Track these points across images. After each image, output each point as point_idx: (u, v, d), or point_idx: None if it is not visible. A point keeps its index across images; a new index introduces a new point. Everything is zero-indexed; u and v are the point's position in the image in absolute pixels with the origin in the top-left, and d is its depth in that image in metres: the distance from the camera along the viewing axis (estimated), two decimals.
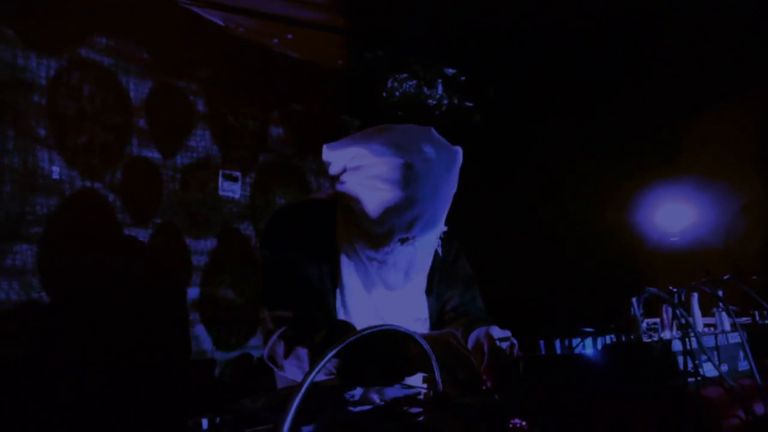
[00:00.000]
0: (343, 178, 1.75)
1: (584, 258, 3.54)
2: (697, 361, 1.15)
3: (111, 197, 3.17)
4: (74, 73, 3.06)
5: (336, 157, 1.75)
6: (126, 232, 3.23)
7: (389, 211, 1.69)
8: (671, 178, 3.10)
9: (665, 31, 3.39)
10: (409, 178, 1.65)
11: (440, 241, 1.96)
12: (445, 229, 1.90)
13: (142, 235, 3.29)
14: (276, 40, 3.82)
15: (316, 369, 1.01)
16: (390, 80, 3.46)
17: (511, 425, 1.00)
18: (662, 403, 1.05)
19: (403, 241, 1.75)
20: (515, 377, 1.26)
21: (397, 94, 3.42)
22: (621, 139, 3.48)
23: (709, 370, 1.21)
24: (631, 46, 3.54)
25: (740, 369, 1.35)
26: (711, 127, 3.27)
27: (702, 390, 1.12)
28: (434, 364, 1.18)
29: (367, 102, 3.73)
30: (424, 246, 1.83)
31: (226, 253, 3.68)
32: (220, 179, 3.70)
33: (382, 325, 1.36)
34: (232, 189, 3.75)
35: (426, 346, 1.18)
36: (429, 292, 2.00)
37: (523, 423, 0.99)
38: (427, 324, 2.00)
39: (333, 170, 1.79)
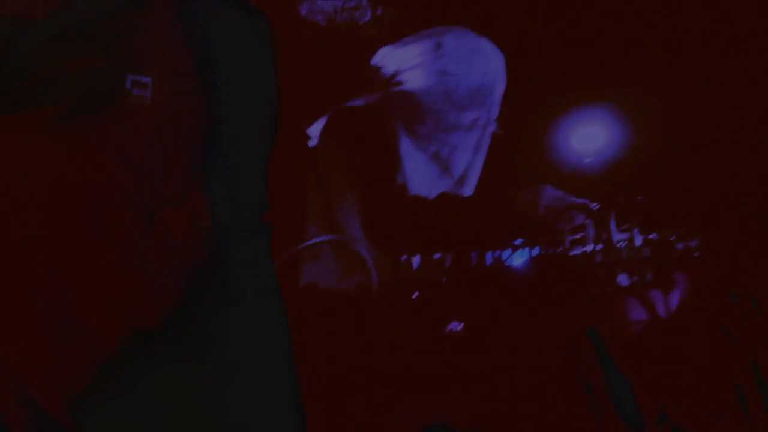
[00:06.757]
0: (405, 76, 1.76)
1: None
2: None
3: None
4: None
5: (399, 55, 1.77)
6: None
7: (471, 95, 1.74)
8: (586, 104, 3.17)
9: None
10: (482, 61, 1.76)
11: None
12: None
13: None
14: None
15: None
16: None
17: (448, 330, 1.09)
18: (580, 308, 1.16)
19: (484, 125, 1.81)
20: None
21: None
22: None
23: (622, 280, 1.34)
24: None
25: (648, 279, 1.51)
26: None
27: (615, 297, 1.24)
28: None
29: None
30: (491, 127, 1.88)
31: None
32: None
33: None
34: None
35: None
36: None
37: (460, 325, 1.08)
38: None
39: (387, 71, 1.79)
